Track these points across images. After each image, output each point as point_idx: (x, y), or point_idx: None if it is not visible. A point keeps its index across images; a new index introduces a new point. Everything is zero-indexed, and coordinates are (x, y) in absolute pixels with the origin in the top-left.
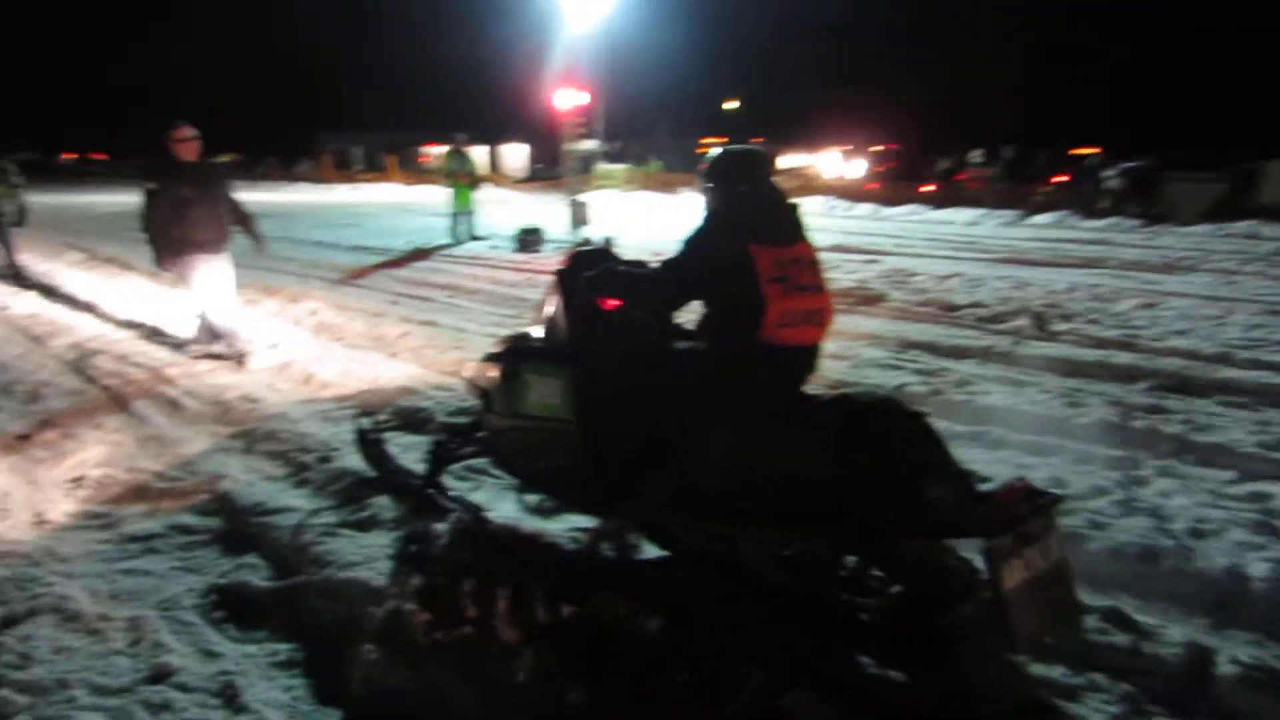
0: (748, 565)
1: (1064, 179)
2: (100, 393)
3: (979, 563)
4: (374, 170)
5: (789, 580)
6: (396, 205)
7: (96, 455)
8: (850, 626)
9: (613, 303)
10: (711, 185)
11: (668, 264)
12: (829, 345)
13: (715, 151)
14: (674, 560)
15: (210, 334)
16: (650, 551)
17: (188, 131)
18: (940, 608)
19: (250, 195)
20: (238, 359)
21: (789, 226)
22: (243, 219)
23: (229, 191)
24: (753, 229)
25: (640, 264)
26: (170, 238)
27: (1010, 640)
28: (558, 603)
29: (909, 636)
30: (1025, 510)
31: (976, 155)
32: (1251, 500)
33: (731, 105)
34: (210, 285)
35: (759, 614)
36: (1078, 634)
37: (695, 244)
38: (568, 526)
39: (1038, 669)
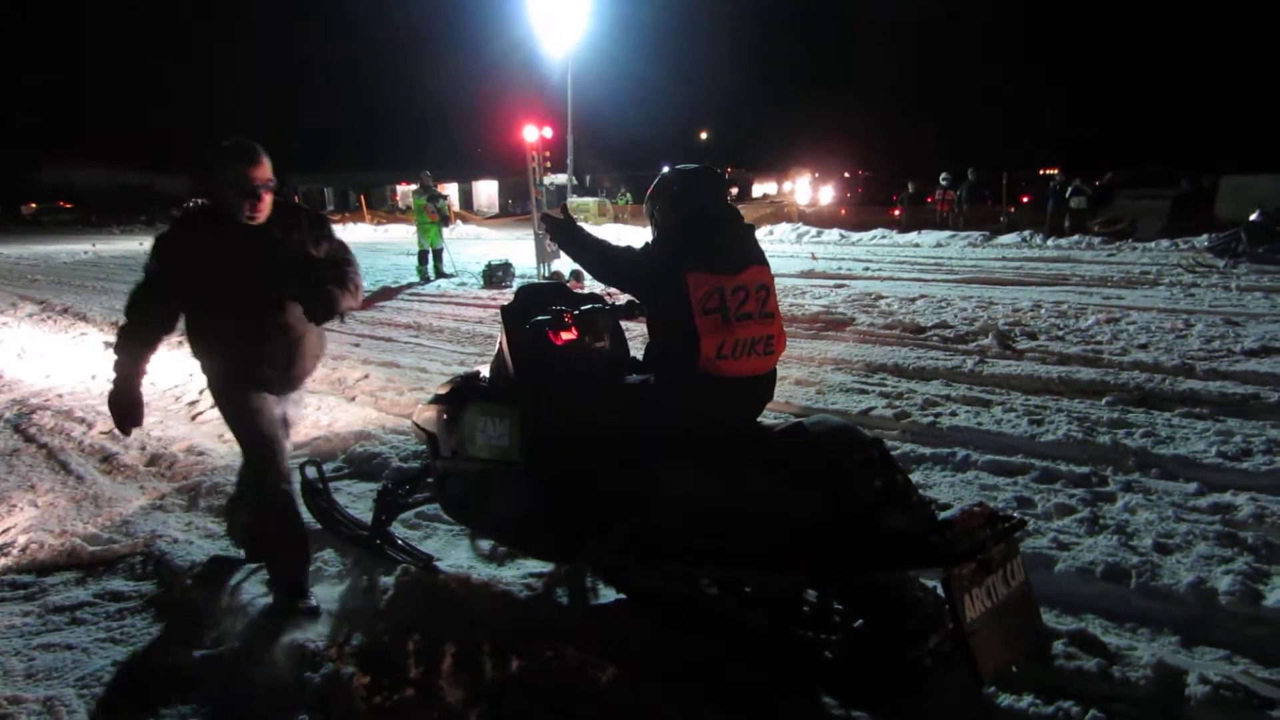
0: (707, 604)
1: (1027, 199)
2: (38, 451)
3: (943, 592)
4: (345, 210)
5: (749, 618)
6: (367, 245)
7: (26, 519)
8: (813, 664)
9: (566, 336)
10: (659, 208)
11: (618, 251)
12: (795, 371)
13: (664, 171)
14: (632, 603)
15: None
16: (607, 595)
17: (261, 171)
18: (904, 642)
19: None
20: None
21: (738, 251)
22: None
23: (324, 267)
24: (693, 255)
25: (597, 298)
26: (218, 369)
27: (975, 673)
28: (507, 657)
29: (873, 673)
30: (985, 537)
31: (942, 178)
32: (1215, 512)
33: (704, 136)
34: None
35: (719, 655)
36: (1046, 660)
37: (637, 262)
38: (522, 573)
39: (1006, 700)
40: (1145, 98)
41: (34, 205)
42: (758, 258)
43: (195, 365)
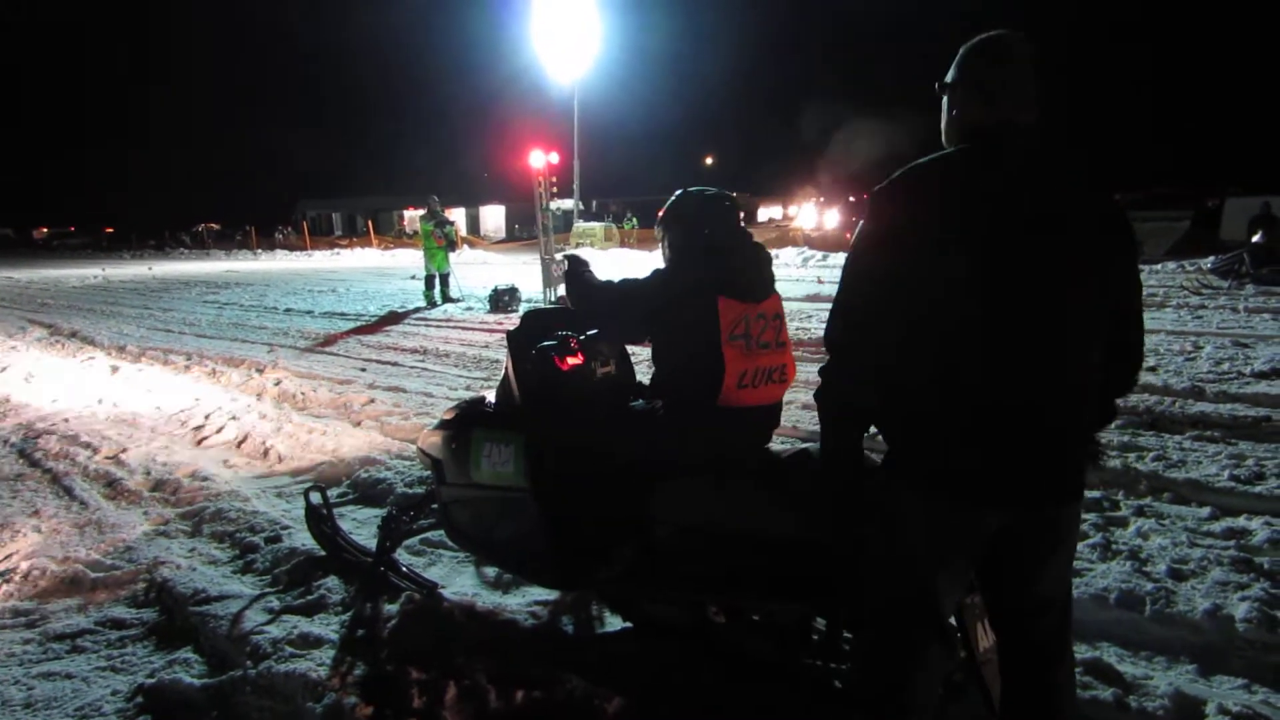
0: (714, 633)
1: None
2: (43, 476)
3: (956, 621)
4: (353, 235)
5: (757, 647)
6: (375, 270)
7: (29, 545)
8: (823, 694)
9: (572, 361)
10: (672, 232)
11: (629, 286)
12: (802, 396)
13: (678, 194)
14: (638, 631)
15: None
16: (614, 624)
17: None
18: None
19: (228, 264)
20: None
21: (760, 279)
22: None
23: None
24: (722, 280)
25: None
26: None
27: (988, 703)
28: (512, 687)
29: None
30: None
31: None
32: (1229, 537)
33: (709, 161)
34: None
35: (726, 685)
36: None
37: (661, 283)
38: (528, 601)
39: None
40: (1151, 120)
41: (45, 230)
42: (774, 285)
43: (200, 389)
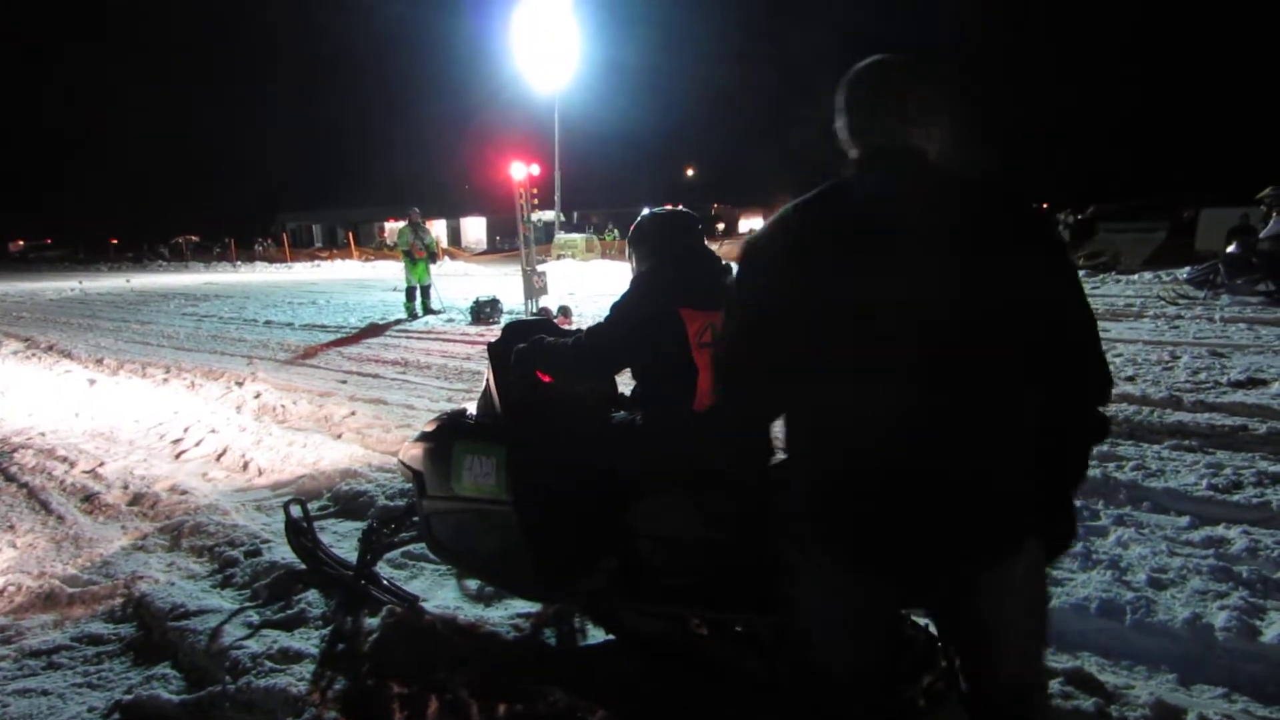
0: (697, 645)
1: None
2: (18, 491)
3: (936, 631)
4: (334, 247)
5: (740, 659)
6: (355, 281)
7: (4, 560)
8: (805, 705)
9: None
10: (638, 250)
11: (592, 331)
12: None
13: (642, 215)
14: (620, 644)
15: None
16: (596, 636)
17: None
18: (897, 681)
19: (207, 276)
20: None
21: (717, 288)
22: None
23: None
24: (682, 293)
25: (580, 333)
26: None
27: (970, 713)
28: (494, 701)
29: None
30: None
31: None
32: (1208, 546)
33: (690, 172)
34: None
35: (709, 697)
36: None
37: (624, 310)
38: (509, 614)
39: None
40: (1127, 131)
41: (21, 242)
42: None
43: (179, 402)
